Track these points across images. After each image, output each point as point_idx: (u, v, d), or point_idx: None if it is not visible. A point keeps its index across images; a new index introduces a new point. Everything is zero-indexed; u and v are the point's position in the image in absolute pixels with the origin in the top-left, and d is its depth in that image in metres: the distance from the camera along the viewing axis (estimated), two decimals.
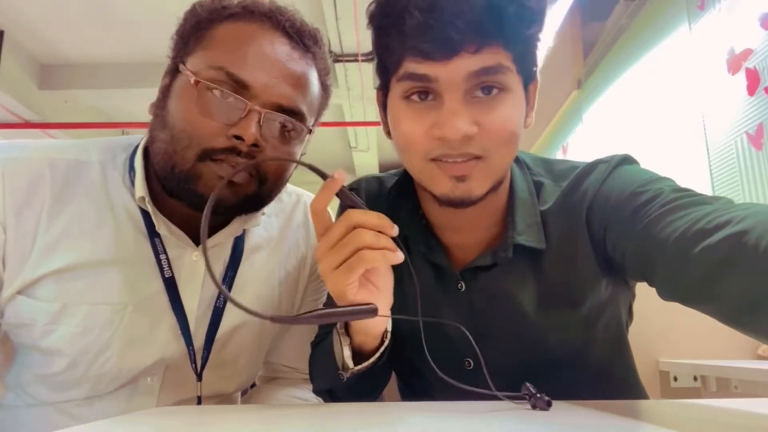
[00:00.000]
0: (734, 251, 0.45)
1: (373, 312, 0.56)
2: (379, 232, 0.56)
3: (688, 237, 0.50)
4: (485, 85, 0.59)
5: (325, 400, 0.74)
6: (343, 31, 3.80)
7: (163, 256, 0.71)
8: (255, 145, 0.66)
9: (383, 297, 0.60)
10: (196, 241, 0.74)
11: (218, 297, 0.76)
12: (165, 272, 0.71)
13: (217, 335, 0.75)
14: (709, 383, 1.25)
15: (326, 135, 5.76)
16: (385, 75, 0.64)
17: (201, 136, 0.65)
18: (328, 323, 0.75)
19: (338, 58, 4.14)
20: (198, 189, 0.66)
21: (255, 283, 0.81)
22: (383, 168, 6.38)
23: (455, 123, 0.57)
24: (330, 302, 0.73)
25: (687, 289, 0.50)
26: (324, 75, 0.77)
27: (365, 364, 0.64)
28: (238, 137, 0.65)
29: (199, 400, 0.74)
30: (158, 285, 0.71)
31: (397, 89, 0.62)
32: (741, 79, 2.07)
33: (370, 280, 0.59)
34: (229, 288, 0.77)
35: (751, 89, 2.02)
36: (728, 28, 2.16)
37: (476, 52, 0.57)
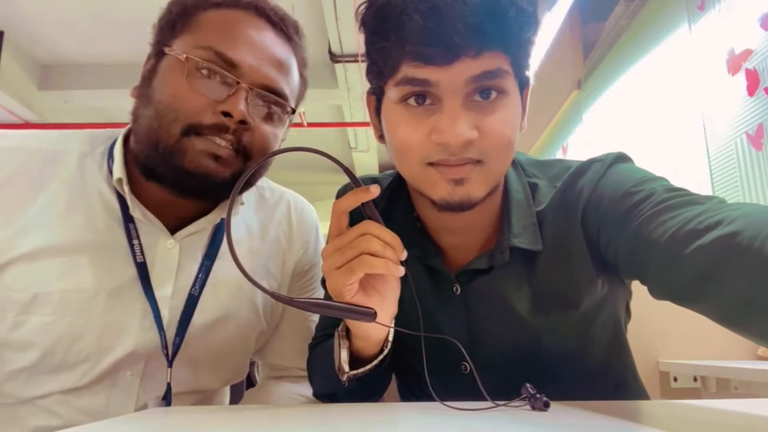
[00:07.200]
0: (726, 252, 0.45)
1: (370, 316, 0.56)
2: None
3: (679, 237, 0.50)
4: (484, 88, 0.58)
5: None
6: (343, 31, 3.80)
7: (135, 242, 0.71)
8: (243, 122, 0.67)
9: (386, 306, 0.60)
10: (171, 230, 0.74)
11: (193, 285, 0.75)
12: (137, 257, 0.71)
13: (196, 328, 0.75)
14: (709, 384, 1.26)
15: (326, 135, 5.75)
16: (380, 79, 0.63)
17: (188, 110, 0.66)
18: (324, 314, 0.74)
19: (338, 59, 4.13)
20: (183, 164, 0.66)
21: (238, 277, 0.80)
22: (383, 169, 6.37)
23: (456, 128, 0.57)
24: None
25: (679, 289, 0.50)
26: (302, 66, 0.79)
27: (362, 369, 0.64)
28: (226, 114, 0.66)
29: (168, 388, 0.72)
30: (132, 272, 0.71)
31: (393, 93, 0.61)
32: (741, 79, 2.07)
33: (376, 288, 0.59)
34: (205, 278, 0.76)
35: (751, 90, 2.02)
36: (728, 29, 2.16)
37: (477, 56, 0.56)
